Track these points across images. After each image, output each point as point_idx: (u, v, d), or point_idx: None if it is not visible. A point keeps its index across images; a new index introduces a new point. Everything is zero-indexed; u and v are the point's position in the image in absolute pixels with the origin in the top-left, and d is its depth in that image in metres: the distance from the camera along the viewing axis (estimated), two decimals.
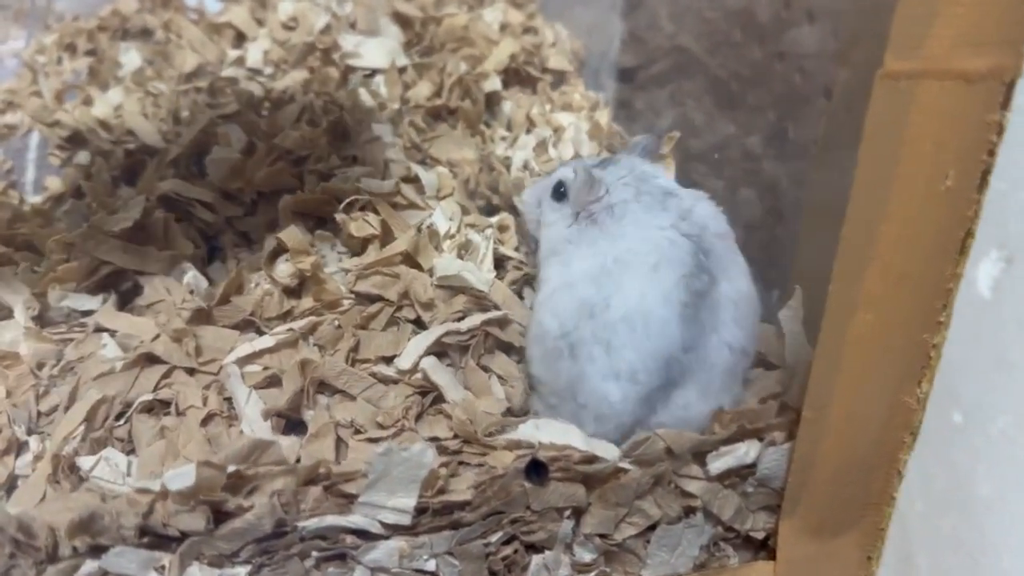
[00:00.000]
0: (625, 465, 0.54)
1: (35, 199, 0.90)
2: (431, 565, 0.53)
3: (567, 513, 0.54)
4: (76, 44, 1.09)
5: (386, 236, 0.70)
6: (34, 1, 1.27)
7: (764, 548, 0.59)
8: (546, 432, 0.55)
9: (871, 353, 0.51)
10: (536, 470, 0.53)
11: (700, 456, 0.55)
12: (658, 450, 0.53)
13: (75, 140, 0.89)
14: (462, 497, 0.52)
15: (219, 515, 0.50)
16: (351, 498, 0.52)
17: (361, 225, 0.71)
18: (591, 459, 0.53)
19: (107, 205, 0.78)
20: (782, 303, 0.63)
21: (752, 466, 0.55)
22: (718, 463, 0.55)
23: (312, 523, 0.51)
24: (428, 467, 0.51)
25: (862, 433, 0.54)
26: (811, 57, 0.93)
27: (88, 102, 0.94)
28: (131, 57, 0.96)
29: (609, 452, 0.54)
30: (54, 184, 0.92)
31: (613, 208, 0.60)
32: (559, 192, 0.64)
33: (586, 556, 0.56)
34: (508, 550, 0.55)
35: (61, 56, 1.09)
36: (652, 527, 0.56)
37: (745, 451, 0.55)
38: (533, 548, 0.56)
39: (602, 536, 0.56)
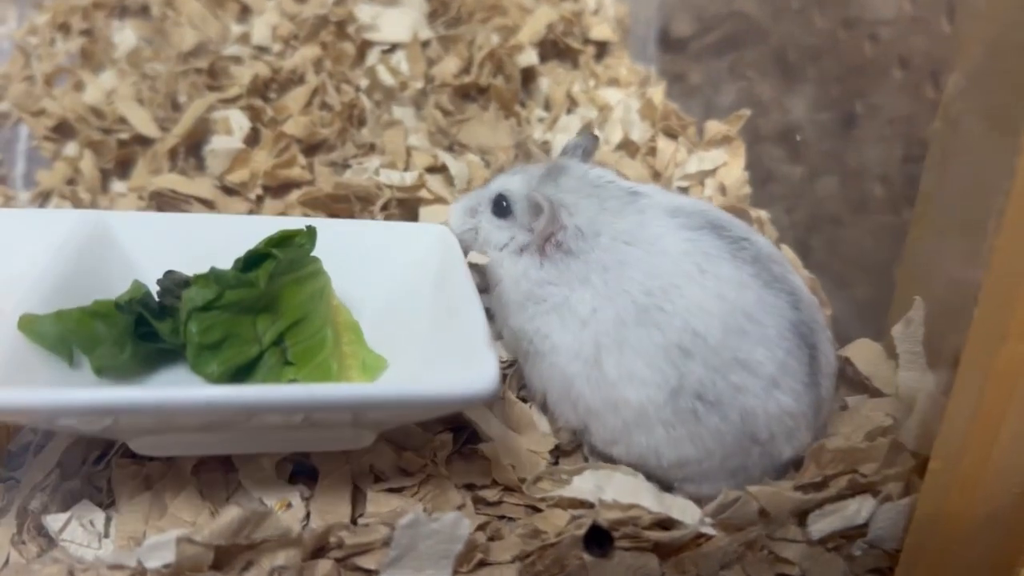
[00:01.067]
0: (708, 530, 0.44)
1: (25, 195, 0.82)
2: None
3: None
4: (70, 23, 0.99)
5: None
6: None
7: None
8: (609, 487, 0.44)
9: (1021, 392, 0.40)
10: (598, 538, 0.43)
11: (800, 515, 0.45)
12: (751, 512, 0.43)
13: (63, 130, 0.80)
14: (506, 574, 0.42)
15: None
16: (369, 574, 0.42)
17: None
18: (666, 523, 0.43)
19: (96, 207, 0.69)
20: (891, 315, 0.52)
21: (863, 526, 0.45)
22: (822, 524, 0.44)
23: None
24: (463, 540, 0.41)
25: (1002, 487, 0.43)
26: (887, 23, 0.81)
27: (79, 87, 0.84)
28: (126, 36, 0.86)
29: (688, 513, 0.44)
30: (45, 178, 0.82)
31: (581, 229, 0.51)
32: (501, 207, 0.54)
33: None
34: None
35: (54, 37, 0.99)
36: None
37: (856, 509, 0.44)
38: None
39: None
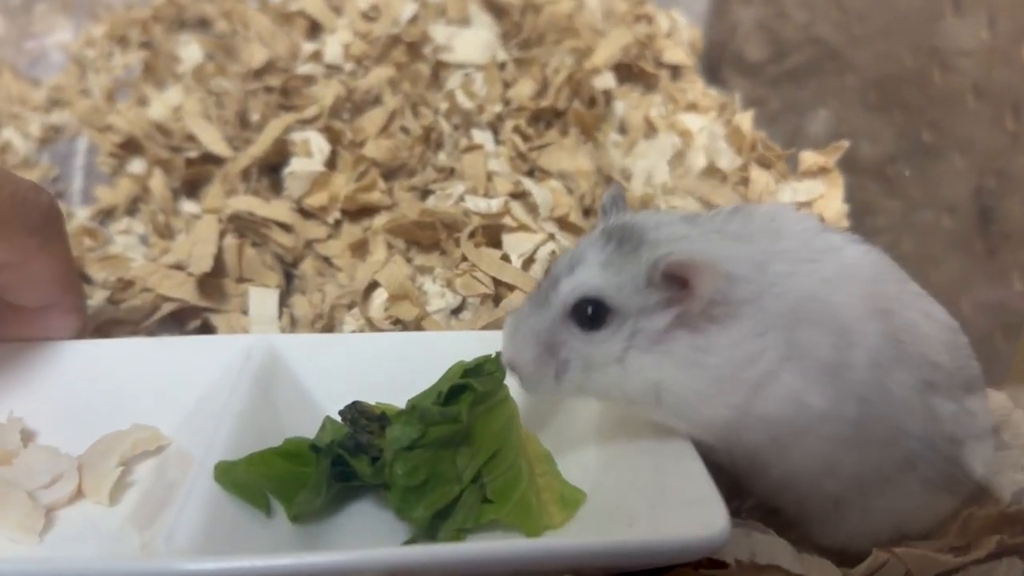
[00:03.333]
0: None
1: (83, 212, 0.80)
2: None
3: None
4: (128, 36, 0.98)
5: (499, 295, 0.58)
6: None
7: None
8: (745, 546, 0.42)
9: None
10: None
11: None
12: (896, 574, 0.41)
13: (129, 146, 0.78)
14: None
15: None
16: None
17: (468, 282, 0.59)
18: None
19: (168, 231, 0.67)
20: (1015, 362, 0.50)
21: None
22: None
23: None
24: None
25: None
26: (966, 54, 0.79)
27: (143, 102, 0.83)
28: (191, 51, 0.85)
29: (827, 574, 0.42)
30: (105, 195, 0.81)
31: (735, 272, 0.42)
32: (587, 316, 0.42)
33: None
34: None
35: (112, 50, 0.98)
36: None
37: (1006, 572, 0.42)
38: None
39: None
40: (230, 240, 0.63)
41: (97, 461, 0.48)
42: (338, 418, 0.47)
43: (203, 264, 0.59)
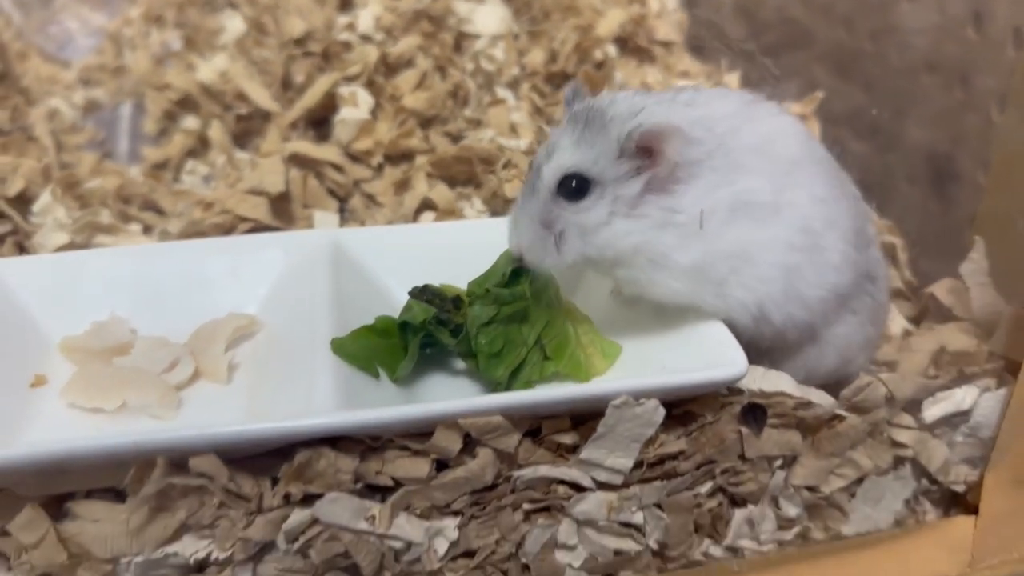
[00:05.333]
0: (842, 412, 0.52)
1: (135, 169, 0.88)
2: (638, 518, 0.51)
3: (778, 463, 0.52)
4: (165, 16, 1.06)
5: None
6: None
7: (960, 503, 0.57)
8: (754, 379, 0.52)
9: None
10: (753, 415, 0.51)
11: (913, 405, 0.53)
12: (878, 396, 0.51)
13: (184, 104, 0.87)
14: (676, 447, 0.50)
15: (439, 464, 0.48)
16: (564, 448, 0.50)
17: (503, 207, 0.69)
18: (806, 406, 0.51)
19: (234, 168, 0.76)
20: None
21: (966, 413, 0.53)
22: (934, 409, 0.53)
23: (527, 472, 0.49)
24: (656, 426, 0.48)
25: None
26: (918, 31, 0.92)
27: (191, 68, 0.92)
28: (235, 23, 0.94)
29: (822, 399, 0.52)
30: (153, 153, 0.89)
31: (692, 134, 0.49)
32: (573, 188, 0.49)
33: (792, 511, 0.54)
34: (713, 503, 0.52)
35: (149, 29, 1.06)
36: (859, 480, 0.54)
37: (962, 397, 0.53)
38: (735, 503, 0.54)
39: (810, 489, 0.53)
40: (294, 172, 0.72)
41: (205, 346, 0.56)
42: (406, 298, 0.56)
43: (277, 186, 0.68)
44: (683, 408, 0.51)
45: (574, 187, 0.49)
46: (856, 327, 0.54)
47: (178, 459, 0.44)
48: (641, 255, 0.50)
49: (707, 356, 0.51)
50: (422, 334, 0.54)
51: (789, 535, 0.55)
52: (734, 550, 0.54)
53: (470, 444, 0.48)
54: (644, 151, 0.48)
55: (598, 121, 0.49)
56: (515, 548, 0.50)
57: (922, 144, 0.88)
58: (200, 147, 0.85)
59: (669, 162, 0.47)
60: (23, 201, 0.69)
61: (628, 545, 0.52)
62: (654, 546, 0.52)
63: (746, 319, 0.51)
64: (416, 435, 0.48)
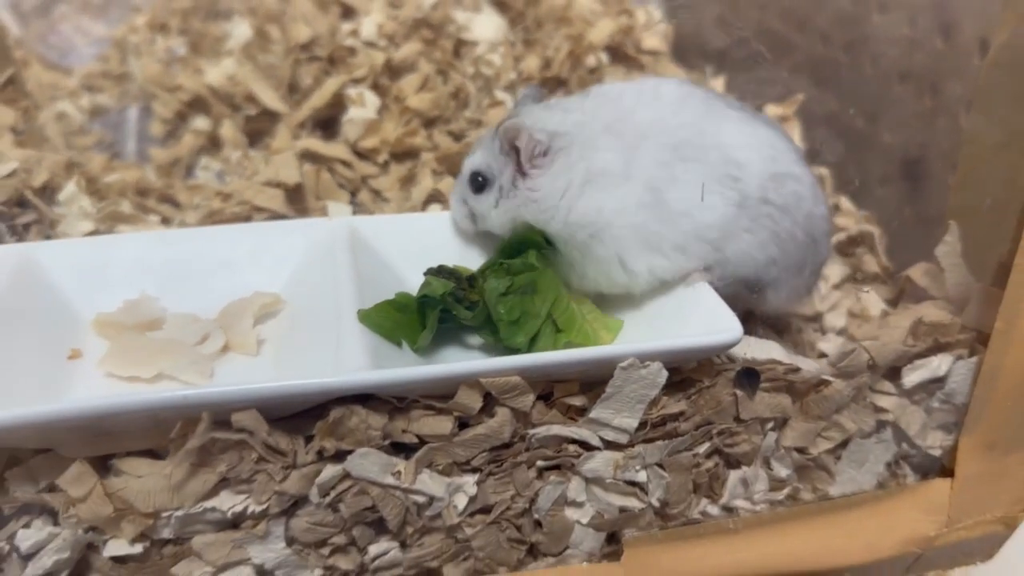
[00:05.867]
0: (827, 377, 0.56)
1: (145, 167, 0.91)
2: (642, 476, 0.55)
3: (770, 425, 0.57)
4: (170, 24, 1.10)
5: None
6: None
7: (937, 467, 0.62)
8: (747, 347, 0.57)
9: None
10: (747, 379, 0.55)
11: (892, 372, 0.58)
12: (861, 362, 0.56)
13: (195, 105, 0.90)
14: (677, 408, 0.54)
15: (461, 423, 0.52)
16: (574, 409, 0.54)
17: None
18: (795, 370, 0.56)
19: (251, 159, 0.79)
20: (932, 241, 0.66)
21: (941, 380, 0.58)
22: (913, 376, 0.57)
23: (541, 431, 0.53)
24: (659, 387, 0.52)
25: None
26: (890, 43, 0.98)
27: (199, 72, 0.95)
28: (241, 30, 0.98)
29: (808, 366, 0.57)
30: (161, 154, 0.93)
31: (554, 130, 0.59)
32: (479, 182, 0.62)
33: (782, 472, 0.58)
34: (710, 463, 0.57)
35: (154, 37, 1.10)
36: (844, 443, 0.59)
37: (938, 364, 0.57)
38: (730, 464, 0.58)
39: (799, 450, 0.58)
40: (307, 167, 0.76)
41: (234, 322, 0.60)
42: (419, 279, 0.60)
43: (293, 178, 0.72)
44: (681, 375, 0.55)
45: (478, 181, 0.62)
46: (755, 245, 0.59)
47: (220, 417, 0.48)
48: (520, 227, 0.62)
49: (704, 324, 0.55)
50: (440, 307, 0.58)
51: (780, 495, 0.59)
52: (729, 509, 0.58)
53: (489, 404, 0.52)
54: (511, 147, 0.60)
55: (497, 128, 0.61)
56: (528, 504, 0.54)
57: (894, 146, 0.94)
58: (211, 146, 0.88)
59: (523, 152, 0.59)
60: (47, 192, 0.72)
61: (632, 503, 0.56)
62: (656, 504, 0.56)
63: (617, 271, 0.60)
64: (438, 396, 0.51)
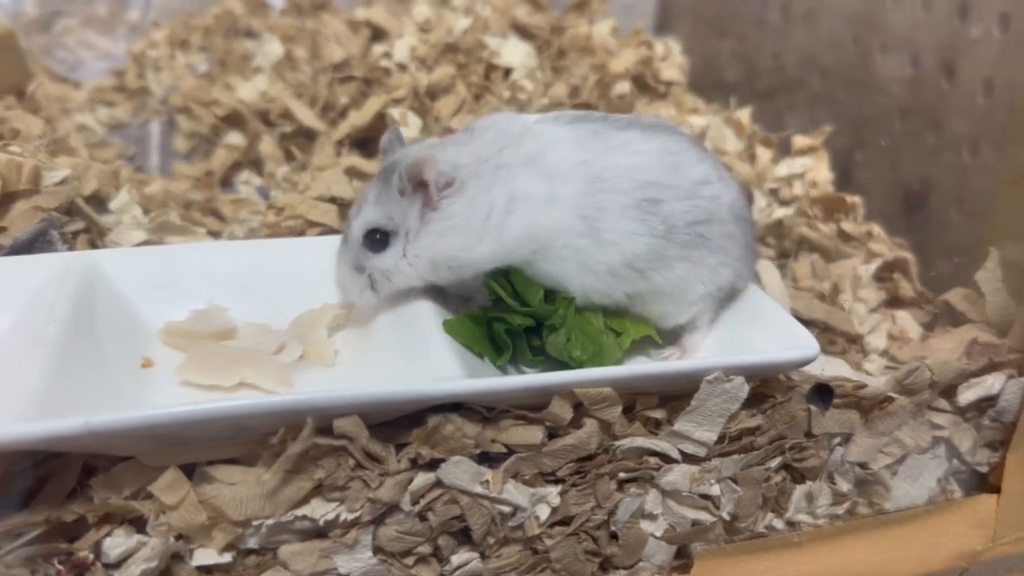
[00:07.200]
0: (892, 394, 0.58)
1: (181, 182, 0.90)
2: (715, 489, 0.56)
3: (836, 441, 0.58)
4: (190, 40, 1.10)
5: None
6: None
7: (984, 483, 0.64)
8: (817, 364, 0.58)
9: None
10: (821, 395, 0.57)
11: (948, 390, 0.60)
12: (924, 380, 0.58)
13: (229, 120, 0.90)
14: (754, 422, 0.56)
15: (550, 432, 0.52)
16: (651, 422, 0.55)
17: None
18: (862, 386, 0.58)
19: (299, 175, 0.79)
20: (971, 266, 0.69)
21: (994, 398, 0.61)
22: (967, 394, 0.60)
23: (625, 443, 0.54)
24: (740, 402, 0.54)
25: None
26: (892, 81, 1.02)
27: (230, 87, 0.95)
28: (272, 47, 0.98)
29: (873, 382, 0.59)
30: (187, 169, 0.92)
31: (457, 162, 0.58)
32: (376, 239, 0.58)
33: (844, 486, 0.60)
34: (779, 478, 0.58)
35: (174, 52, 1.10)
36: (901, 459, 0.61)
37: (992, 383, 0.60)
38: (795, 479, 0.59)
39: (861, 465, 0.60)
40: (356, 183, 0.76)
41: (307, 332, 0.60)
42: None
43: (345, 192, 0.72)
44: (754, 389, 0.57)
45: (376, 239, 0.58)
46: (691, 273, 0.61)
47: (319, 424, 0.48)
48: (440, 266, 0.58)
49: (778, 340, 0.57)
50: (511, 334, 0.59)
51: (840, 509, 0.60)
52: (792, 523, 0.60)
53: (576, 415, 0.52)
54: (418, 184, 0.57)
55: (388, 175, 0.58)
56: (607, 516, 0.55)
57: (898, 182, 0.98)
58: (245, 161, 0.88)
59: (434, 185, 0.56)
60: (94, 201, 0.72)
61: (704, 516, 0.57)
62: (726, 517, 0.57)
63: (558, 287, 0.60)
64: (525, 406, 0.52)
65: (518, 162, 0.58)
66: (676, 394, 0.55)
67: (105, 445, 0.48)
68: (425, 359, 0.53)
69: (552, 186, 0.57)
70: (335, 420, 0.48)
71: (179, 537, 0.48)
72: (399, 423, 0.51)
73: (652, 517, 0.56)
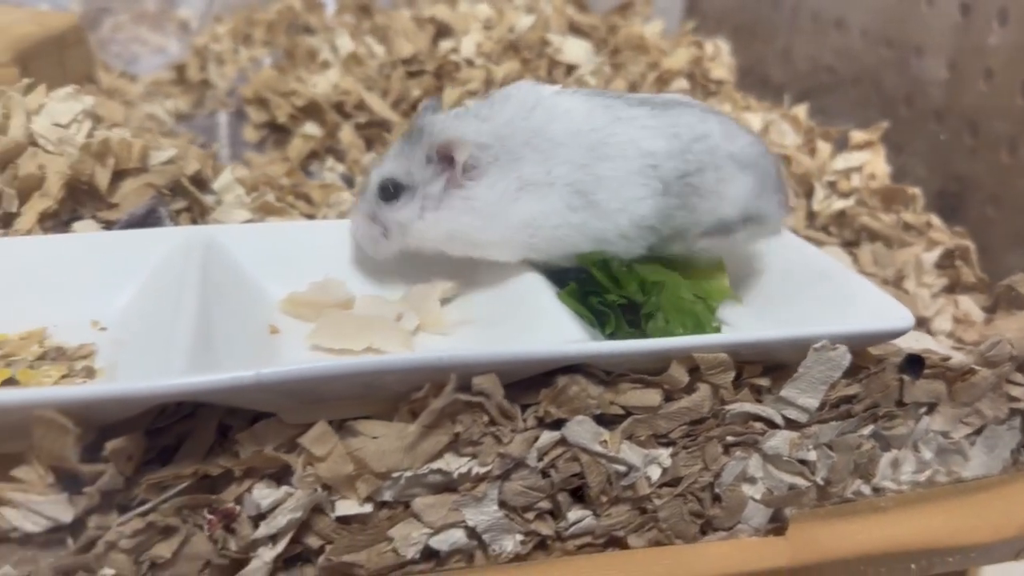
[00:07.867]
0: (975, 366, 0.62)
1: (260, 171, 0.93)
2: (812, 455, 0.59)
3: (923, 410, 0.62)
4: (253, 35, 1.13)
5: None
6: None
7: None
8: (905, 337, 0.62)
9: None
10: (912, 365, 0.60)
11: None
12: (1005, 353, 0.62)
13: (307, 111, 0.93)
14: (851, 391, 0.59)
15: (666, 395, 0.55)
16: (757, 389, 0.58)
17: None
18: (947, 358, 0.61)
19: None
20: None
21: None
22: None
23: (735, 407, 0.57)
24: (843, 370, 0.57)
25: None
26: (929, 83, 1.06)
27: (301, 80, 0.98)
28: (343, 42, 1.01)
29: (957, 356, 0.62)
30: (258, 159, 0.95)
31: (482, 142, 0.61)
32: (390, 192, 0.62)
33: (927, 454, 0.63)
34: (869, 445, 0.61)
35: (238, 47, 1.12)
36: (979, 429, 0.64)
37: None
38: (883, 447, 0.63)
39: (943, 435, 0.63)
40: None
41: (421, 303, 0.63)
42: None
43: None
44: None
45: (391, 191, 0.62)
46: (689, 220, 0.64)
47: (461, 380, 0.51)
48: (456, 239, 0.62)
49: (871, 311, 0.60)
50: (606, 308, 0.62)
51: (922, 477, 0.64)
52: (878, 490, 0.63)
53: (691, 380, 0.56)
54: (445, 158, 0.61)
55: (415, 137, 0.62)
56: (713, 478, 0.58)
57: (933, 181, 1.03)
58: (321, 150, 0.91)
59: (461, 165, 0.60)
60: (195, 181, 0.74)
61: (799, 481, 0.60)
62: (820, 483, 0.60)
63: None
64: (642, 370, 0.55)
65: (526, 139, 0.61)
66: (778, 363, 0.58)
67: (260, 400, 0.50)
68: (548, 325, 0.56)
69: (549, 165, 0.61)
70: (474, 378, 0.51)
71: (324, 487, 0.51)
72: (520, 385, 0.54)
73: (752, 480, 0.59)
